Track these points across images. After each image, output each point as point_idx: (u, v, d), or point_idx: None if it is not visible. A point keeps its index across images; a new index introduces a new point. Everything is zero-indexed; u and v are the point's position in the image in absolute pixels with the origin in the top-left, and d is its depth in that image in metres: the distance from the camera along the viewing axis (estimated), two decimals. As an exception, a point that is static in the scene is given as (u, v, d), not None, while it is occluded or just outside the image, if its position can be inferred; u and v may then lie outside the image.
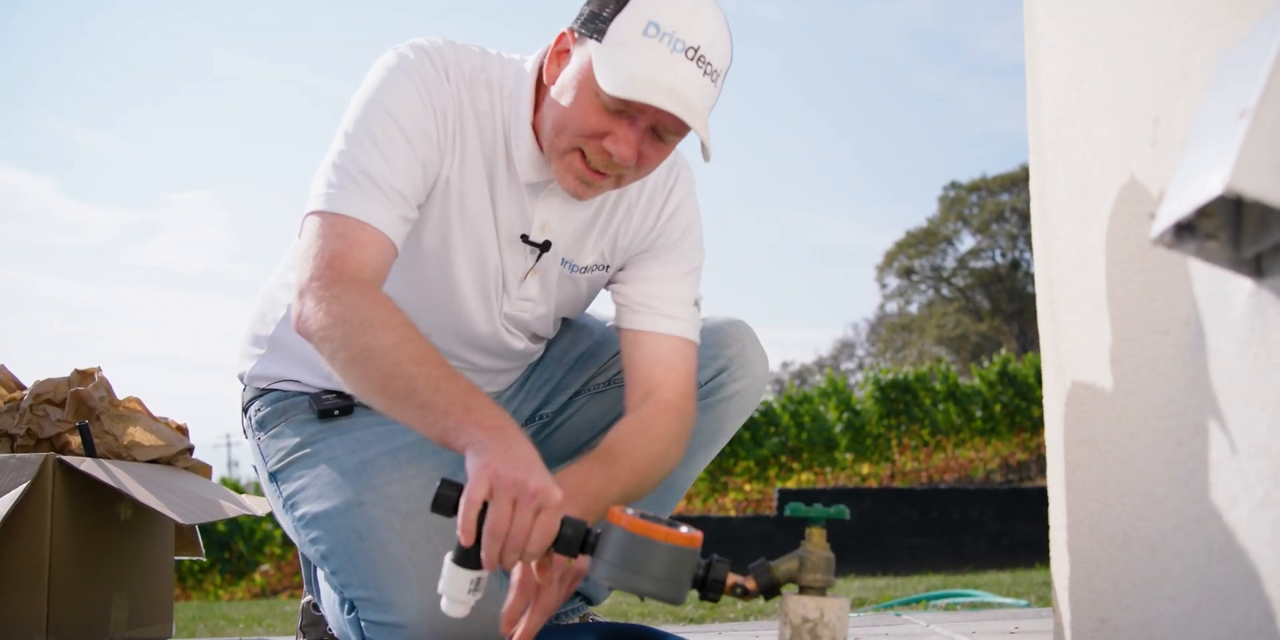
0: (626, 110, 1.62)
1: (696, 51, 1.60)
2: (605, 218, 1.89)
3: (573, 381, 2.07)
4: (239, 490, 14.33)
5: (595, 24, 1.63)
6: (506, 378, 2.04)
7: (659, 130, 1.66)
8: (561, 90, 1.67)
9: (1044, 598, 4.02)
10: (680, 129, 1.66)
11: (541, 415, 2.09)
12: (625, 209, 1.90)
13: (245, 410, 1.97)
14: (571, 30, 1.69)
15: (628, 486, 1.69)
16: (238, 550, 13.84)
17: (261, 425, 1.91)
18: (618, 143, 1.63)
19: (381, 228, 1.63)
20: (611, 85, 1.56)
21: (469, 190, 1.76)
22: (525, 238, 1.82)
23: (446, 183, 1.75)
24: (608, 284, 1.98)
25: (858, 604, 4.12)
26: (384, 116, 1.67)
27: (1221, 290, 1.14)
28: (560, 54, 1.71)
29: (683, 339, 1.86)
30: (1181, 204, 0.99)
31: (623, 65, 1.58)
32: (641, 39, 1.59)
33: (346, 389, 1.81)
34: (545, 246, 1.83)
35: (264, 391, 1.94)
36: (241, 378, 2.00)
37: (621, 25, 1.60)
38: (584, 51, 1.65)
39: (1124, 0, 1.41)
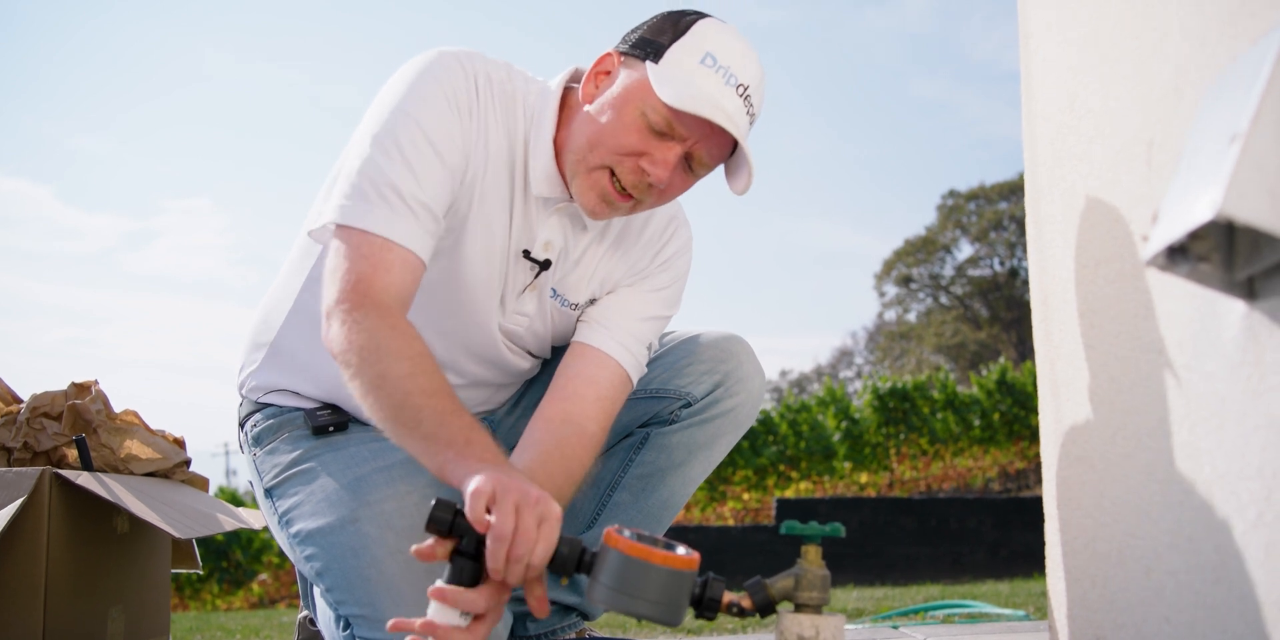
0: (670, 133, 1.66)
1: (745, 89, 1.67)
2: (601, 258, 1.90)
3: None
4: (237, 500, 14.31)
5: (651, 47, 1.69)
6: (504, 394, 2.04)
7: (691, 160, 1.70)
8: (602, 108, 1.70)
9: (1041, 608, 4.02)
10: (710, 162, 1.71)
11: None
12: (622, 253, 1.92)
13: (242, 425, 1.97)
14: (617, 52, 1.74)
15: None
16: (235, 560, 13.81)
17: (257, 441, 1.91)
18: (655, 163, 1.66)
19: (409, 246, 1.63)
20: (674, 98, 1.61)
21: (490, 195, 1.77)
22: (527, 253, 1.82)
23: (470, 184, 1.75)
24: None
25: (856, 614, 4.11)
26: (412, 126, 1.67)
27: (1214, 311, 1.15)
28: (601, 75, 1.74)
29: (625, 373, 1.86)
30: (1174, 227, 1.00)
31: (682, 84, 1.63)
32: (699, 66, 1.66)
33: (364, 414, 1.83)
34: (545, 265, 1.83)
35: (260, 407, 1.94)
36: (240, 388, 2.00)
37: (680, 51, 1.67)
38: (633, 72, 1.70)
39: (1117, 21, 1.41)
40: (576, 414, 1.78)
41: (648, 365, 2.00)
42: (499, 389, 2.01)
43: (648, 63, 1.68)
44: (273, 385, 1.93)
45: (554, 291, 1.88)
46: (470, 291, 1.81)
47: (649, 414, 2.01)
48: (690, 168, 1.71)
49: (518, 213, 1.80)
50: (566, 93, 1.80)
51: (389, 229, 1.62)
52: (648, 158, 1.67)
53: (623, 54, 1.73)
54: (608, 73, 1.74)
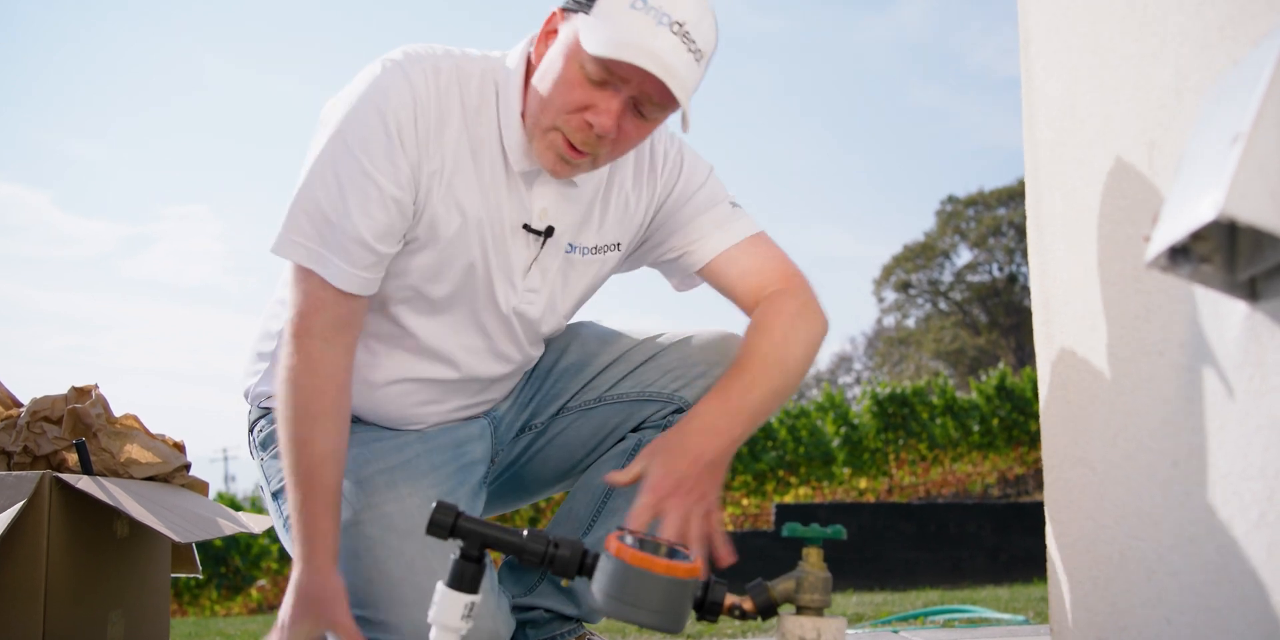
0: (610, 80, 1.63)
1: (681, 26, 1.63)
2: (603, 195, 1.89)
3: (560, 393, 2.04)
4: (236, 506, 14.28)
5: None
6: (503, 386, 2.02)
7: (640, 105, 1.67)
8: (547, 67, 1.68)
9: (1041, 613, 4.02)
10: (662, 102, 1.67)
11: (531, 426, 2.06)
12: (619, 182, 1.90)
13: (251, 430, 1.97)
14: (561, 9, 1.72)
15: (767, 385, 1.78)
16: (234, 565, 13.79)
17: (264, 445, 1.92)
18: (598, 114, 1.64)
19: (339, 285, 1.69)
20: (597, 47, 1.59)
21: (462, 188, 1.76)
22: (527, 226, 1.81)
23: (430, 193, 1.74)
24: (654, 261, 2.00)
25: (855, 620, 4.11)
26: (349, 159, 1.67)
27: (1216, 312, 1.15)
28: (549, 34, 1.73)
29: (744, 241, 1.91)
30: (1176, 228, 1.00)
31: (609, 31, 1.60)
32: (629, 10, 1.62)
33: (364, 415, 1.93)
34: (548, 233, 1.82)
35: (266, 411, 1.94)
36: (246, 395, 2.00)
37: None
38: (571, 26, 1.67)
39: (1117, 23, 1.41)
40: (758, 290, 1.89)
41: (641, 365, 1.99)
42: (492, 383, 1.98)
43: (580, 14, 1.66)
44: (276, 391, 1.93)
45: (571, 245, 1.87)
46: (463, 281, 1.80)
47: (641, 417, 1.99)
48: (641, 113, 1.68)
49: (505, 192, 1.79)
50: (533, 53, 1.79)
51: (322, 267, 1.68)
52: (591, 110, 1.64)
53: (565, 10, 1.71)
54: (555, 31, 1.72)
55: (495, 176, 1.78)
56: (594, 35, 1.60)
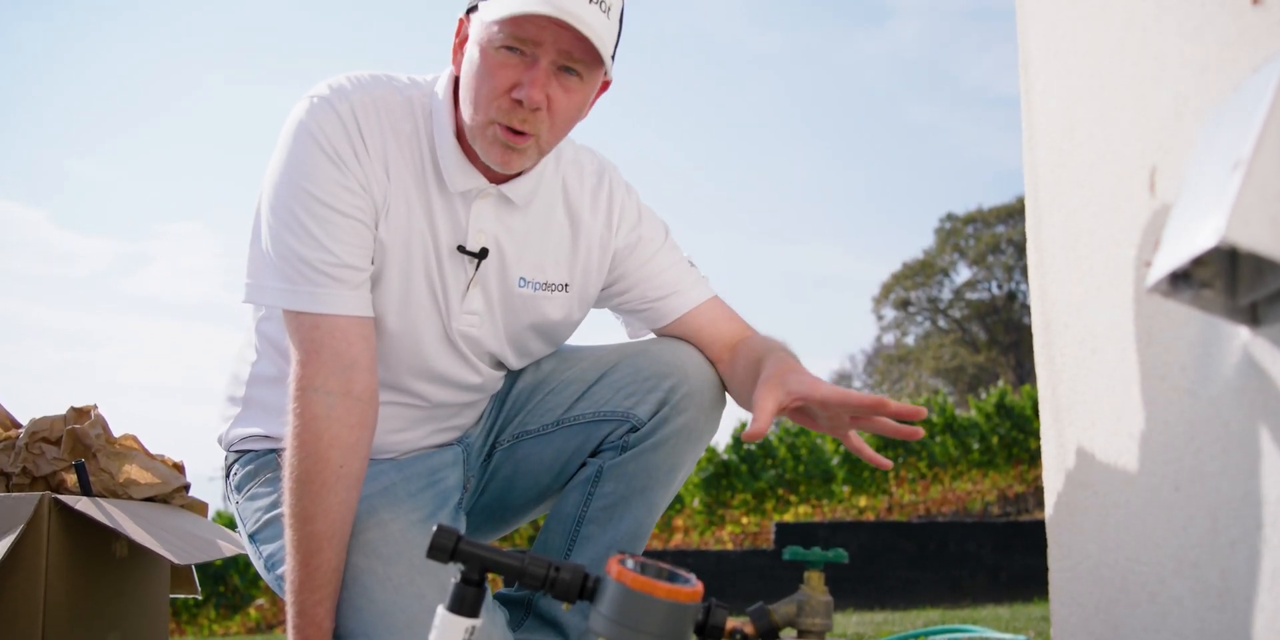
0: (524, 48, 1.62)
1: None
2: (546, 231, 1.88)
3: (517, 414, 2.03)
4: (234, 525, 14.23)
5: None
6: (472, 412, 2.01)
7: (562, 66, 1.65)
8: (466, 67, 1.69)
9: (1043, 633, 4.00)
10: (584, 58, 1.65)
11: (495, 450, 2.05)
12: (573, 225, 1.91)
13: (227, 476, 1.98)
14: (464, 15, 1.73)
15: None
16: (233, 584, 13.74)
17: (239, 488, 1.93)
18: (524, 87, 1.63)
19: (344, 312, 1.69)
20: (497, 11, 1.59)
21: (400, 214, 1.76)
22: (462, 248, 1.80)
23: (380, 212, 1.75)
24: (615, 307, 2.01)
25: (856, 640, 4.10)
26: (305, 197, 1.68)
27: (1218, 336, 1.15)
28: (462, 42, 1.73)
29: (707, 301, 1.99)
30: (1177, 253, 1.00)
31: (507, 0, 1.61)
32: None
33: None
34: (483, 254, 1.81)
35: (240, 454, 1.95)
36: (220, 441, 2.00)
37: None
38: (476, 21, 1.68)
39: (1117, 46, 1.42)
40: (730, 338, 1.98)
41: (595, 383, 1.98)
42: (462, 409, 1.98)
43: (479, 6, 1.66)
44: (251, 433, 1.94)
45: (523, 279, 1.87)
46: (407, 307, 1.80)
47: (598, 438, 1.95)
48: (568, 74, 1.66)
49: (442, 214, 1.79)
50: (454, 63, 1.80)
51: (318, 304, 1.68)
52: (517, 87, 1.64)
53: (467, 13, 1.72)
54: (466, 38, 1.72)
55: (431, 199, 1.78)
56: (493, 5, 1.61)
